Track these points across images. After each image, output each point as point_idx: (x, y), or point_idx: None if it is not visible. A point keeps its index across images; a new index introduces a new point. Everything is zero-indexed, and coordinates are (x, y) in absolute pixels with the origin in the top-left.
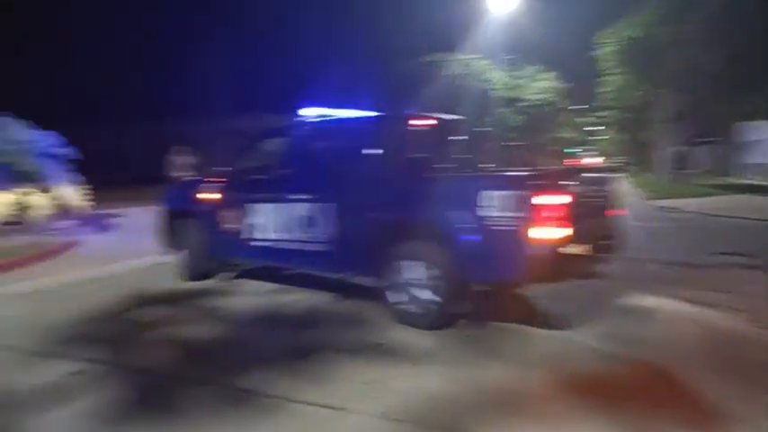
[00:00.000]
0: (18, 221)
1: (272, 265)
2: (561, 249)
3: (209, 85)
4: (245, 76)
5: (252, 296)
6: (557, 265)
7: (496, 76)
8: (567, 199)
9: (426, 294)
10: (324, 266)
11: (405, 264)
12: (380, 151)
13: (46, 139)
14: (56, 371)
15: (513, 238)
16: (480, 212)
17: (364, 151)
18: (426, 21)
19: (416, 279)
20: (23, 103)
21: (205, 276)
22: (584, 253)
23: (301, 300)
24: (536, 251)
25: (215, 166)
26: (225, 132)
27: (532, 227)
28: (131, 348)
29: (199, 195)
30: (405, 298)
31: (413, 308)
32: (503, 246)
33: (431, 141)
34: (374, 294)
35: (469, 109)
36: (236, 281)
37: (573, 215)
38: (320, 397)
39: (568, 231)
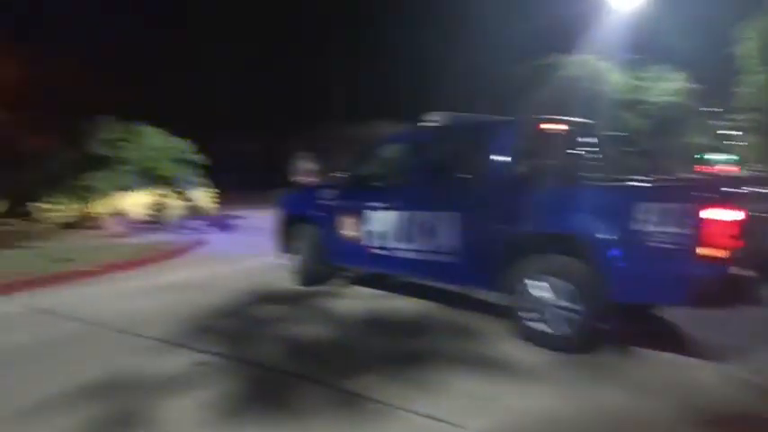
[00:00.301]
0: (155, 221)
1: (390, 274)
2: (731, 271)
3: (329, 91)
4: (364, 82)
5: (362, 300)
6: (725, 288)
7: (616, 78)
8: (740, 215)
9: (562, 313)
10: (446, 278)
11: (537, 279)
12: (509, 158)
13: (180, 146)
14: (181, 360)
15: (676, 256)
16: (635, 226)
17: (492, 157)
18: (540, 21)
19: (550, 296)
20: (161, 112)
21: (318, 281)
22: (752, 276)
23: (411, 307)
24: (702, 272)
25: (335, 172)
26: (345, 139)
27: (699, 245)
28: (249, 343)
29: (316, 201)
30: (536, 316)
31: (546, 327)
32: (662, 264)
33: (564, 146)
34: (487, 307)
35: (583, 112)
36: (347, 285)
37: (745, 232)
38: (428, 407)
39: (740, 251)
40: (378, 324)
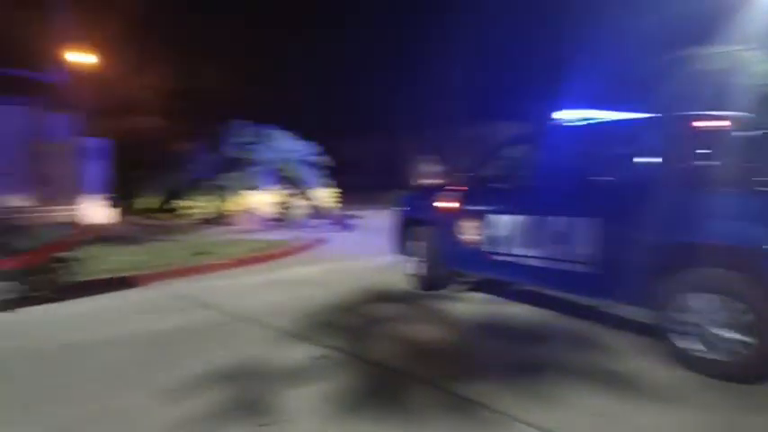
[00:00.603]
0: (280, 219)
1: (514, 281)
2: None
3: (448, 92)
4: (484, 82)
5: (478, 305)
6: None
7: (765, 69)
8: None
9: (732, 336)
10: (581, 290)
11: (695, 295)
12: (658, 158)
13: (305, 148)
14: (302, 352)
15: None
16: None
17: (637, 159)
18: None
19: (713, 315)
20: (287, 116)
21: (435, 285)
22: None
23: (530, 314)
24: None
25: (455, 174)
26: (466, 140)
27: None
28: (366, 340)
29: (436, 203)
30: (695, 338)
31: (709, 352)
32: None
33: (722, 145)
34: (616, 320)
35: (725, 107)
36: (463, 289)
37: None
38: (547, 421)
39: None
40: (494, 330)
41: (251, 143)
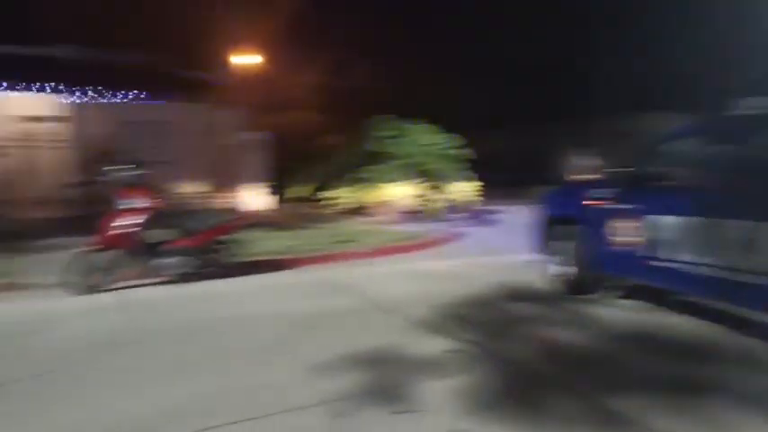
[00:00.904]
0: (419, 211)
1: (675, 291)
2: None
3: (605, 83)
4: (629, 72)
5: (630, 312)
6: None
7: None
8: None
9: None
10: (764, 306)
11: None
12: None
13: (446, 142)
14: (437, 344)
15: None
16: None
17: None
18: None
19: None
20: (432, 109)
21: (580, 288)
22: None
23: (691, 327)
24: None
25: (611, 170)
26: (614, 133)
27: None
28: (503, 338)
29: (586, 201)
30: None
31: None
32: None
33: None
34: None
35: None
36: (611, 294)
37: None
38: None
39: None
40: (648, 341)
41: (393, 137)
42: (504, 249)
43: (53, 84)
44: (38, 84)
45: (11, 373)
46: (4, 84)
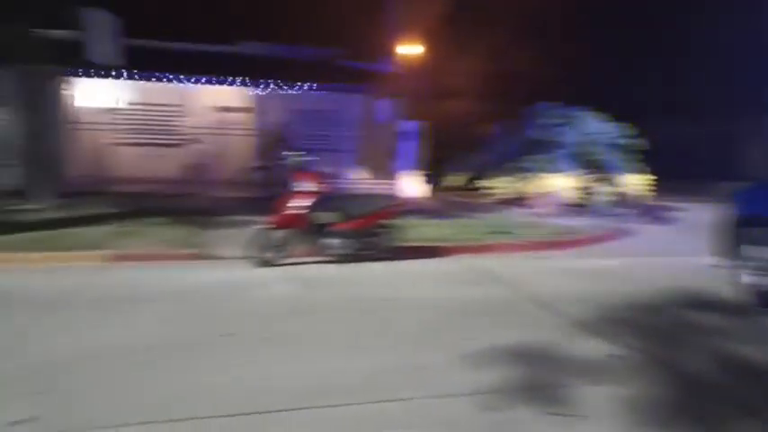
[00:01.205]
0: (582, 205)
1: None
2: None
3: None
4: None
5: None
6: None
7: None
8: None
9: None
10: None
11: None
12: None
13: (614, 131)
14: (596, 347)
15: None
16: None
17: None
18: None
19: None
20: (600, 97)
21: None
22: None
23: None
24: None
25: None
26: None
27: None
28: (675, 347)
29: None
30: None
31: None
32: None
33: None
34: None
35: None
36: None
37: None
38: None
39: None
40: None
41: (556, 125)
42: (679, 251)
43: (240, 77)
44: (228, 78)
45: (202, 331)
46: (203, 78)
